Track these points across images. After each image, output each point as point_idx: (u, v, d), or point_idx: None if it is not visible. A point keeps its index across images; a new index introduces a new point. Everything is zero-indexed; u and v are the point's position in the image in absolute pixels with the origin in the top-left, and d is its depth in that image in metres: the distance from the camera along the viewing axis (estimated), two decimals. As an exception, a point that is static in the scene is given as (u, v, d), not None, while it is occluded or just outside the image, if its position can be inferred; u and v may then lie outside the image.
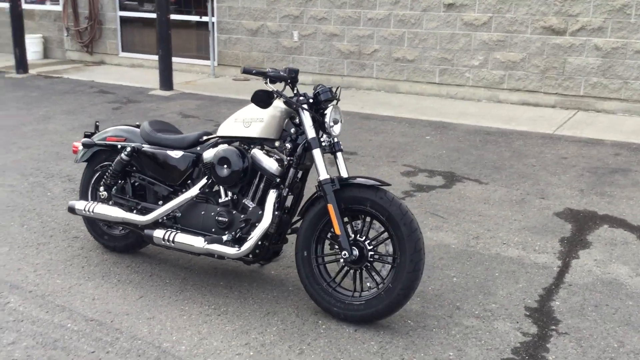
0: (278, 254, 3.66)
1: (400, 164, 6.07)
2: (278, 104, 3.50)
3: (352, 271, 3.38)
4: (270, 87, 3.40)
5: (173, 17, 11.16)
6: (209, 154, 3.63)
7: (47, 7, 12.72)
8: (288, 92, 3.49)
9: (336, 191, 3.31)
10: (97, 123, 4.30)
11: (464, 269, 3.97)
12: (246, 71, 3.40)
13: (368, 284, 3.37)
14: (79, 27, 12.13)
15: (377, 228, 3.34)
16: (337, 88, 3.56)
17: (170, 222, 3.77)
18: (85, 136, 4.17)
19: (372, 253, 3.31)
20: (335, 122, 3.44)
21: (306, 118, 3.39)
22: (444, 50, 9.06)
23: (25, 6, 12.88)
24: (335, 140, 3.50)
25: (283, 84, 3.48)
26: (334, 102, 3.50)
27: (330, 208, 3.28)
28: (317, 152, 3.35)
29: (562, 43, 8.29)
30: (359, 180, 3.32)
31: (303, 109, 3.38)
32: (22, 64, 10.81)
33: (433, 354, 3.08)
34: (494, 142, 6.83)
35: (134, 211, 3.89)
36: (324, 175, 3.33)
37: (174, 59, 11.12)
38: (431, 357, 3.05)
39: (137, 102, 8.76)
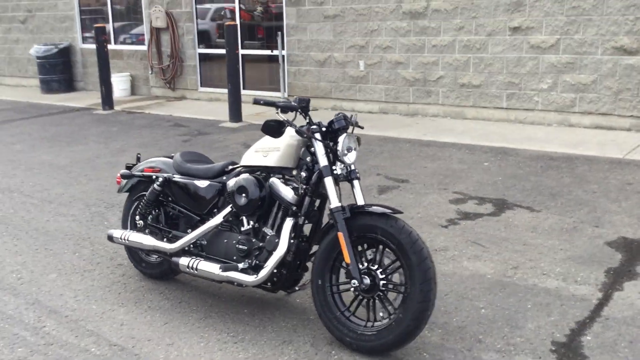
0: (298, 282, 3.67)
1: (451, 191, 5.94)
2: (294, 133, 3.54)
3: (365, 301, 3.34)
4: (282, 117, 3.45)
5: (246, 52, 11.59)
6: (231, 183, 3.72)
7: (134, 47, 13.49)
8: (302, 121, 3.53)
9: (348, 219, 3.30)
10: (139, 155, 4.51)
11: (495, 300, 3.82)
12: (256, 102, 3.48)
13: (381, 314, 3.31)
14: (162, 65, 12.78)
15: (390, 257, 3.29)
16: (352, 116, 3.57)
17: (196, 250, 3.88)
18: (127, 168, 4.39)
19: (385, 282, 3.26)
20: (349, 150, 3.44)
21: (318, 146, 3.41)
22: (511, 74, 8.83)
23: (114, 46, 13.77)
24: (352, 168, 3.50)
25: (294, 113, 3.52)
26: (349, 130, 3.50)
27: (341, 236, 3.27)
28: (328, 180, 3.36)
29: (635, 63, 7.87)
30: (370, 208, 3.29)
31: (315, 137, 3.40)
32: (107, 101, 11.50)
33: (441, 388, 2.98)
34: (556, 167, 6.56)
35: (165, 239, 4.03)
36: (335, 203, 3.33)
37: (247, 92, 11.50)
38: (439, 391, 2.95)
39: (207, 134, 9.09)
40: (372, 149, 7.75)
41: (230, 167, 3.94)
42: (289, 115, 3.51)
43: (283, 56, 10.90)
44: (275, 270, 3.50)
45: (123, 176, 4.27)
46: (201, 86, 12.50)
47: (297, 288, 3.72)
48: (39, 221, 5.60)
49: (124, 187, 4.36)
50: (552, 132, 8.20)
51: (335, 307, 3.39)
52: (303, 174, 3.51)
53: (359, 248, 3.36)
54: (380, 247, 3.30)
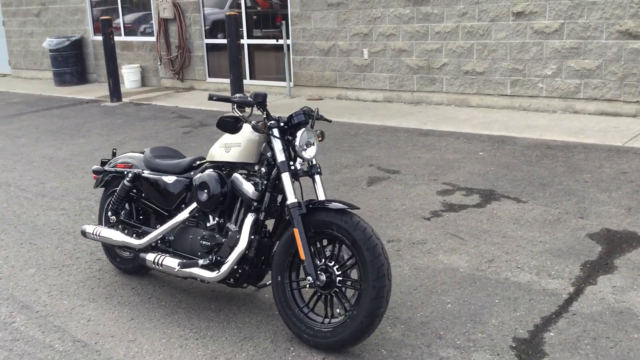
0: (262, 277, 3.66)
1: (440, 182, 5.86)
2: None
3: (323, 297, 3.31)
4: (238, 113, 3.42)
5: (252, 41, 11.56)
6: (195, 179, 3.71)
7: (144, 38, 13.56)
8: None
9: (305, 215, 3.27)
10: (114, 150, 4.53)
11: (463, 294, 3.76)
12: (210, 98, 3.45)
13: (337, 311, 3.28)
14: (171, 55, 12.82)
15: (347, 253, 3.25)
16: (315, 110, 3.53)
17: (164, 245, 3.89)
18: (102, 163, 4.41)
19: (341, 279, 3.22)
20: (308, 145, 3.40)
21: (275, 142, 3.38)
22: (515, 60, 8.66)
23: (124, 38, 13.86)
24: (313, 162, 3.46)
25: (250, 109, 3.48)
26: (308, 125, 3.46)
27: (296, 232, 3.24)
28: (285, 176, 3.33)
29: (640, 47, 7.66)
30: (326, 204, 3.25)
31: (270, 133, 3.37)
32: (115, 93, 11.59)
33: (391, 386, 2.94)
34: (551, 156, 6.42)
35: (134, 235, 4.04)
36: (291, 199, 3.30)
37: (254, 82, 11.50)
38: (388, 390, 2.92)
39: (208, 126, 9.11)
40: (369, 139, 7.68)
41: (198, 162, 3.92)
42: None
43: (288, 45, 10.85)
44: (236, 266, 3.49)
45: (95, 172, 4.29)
46: (209, 77, 12.52)
47: (267, 283, 3.69)
48: (29, 215, 5.67)
49: (98, 183, 4.38)
50: (556, 119, 8.03)
51: (295, 303, 3.37)
52: (263, 169, 3.48)
53: (318, 244, 3.32)
54: (337, 243, 3.26)
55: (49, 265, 4.55)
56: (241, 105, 3.44)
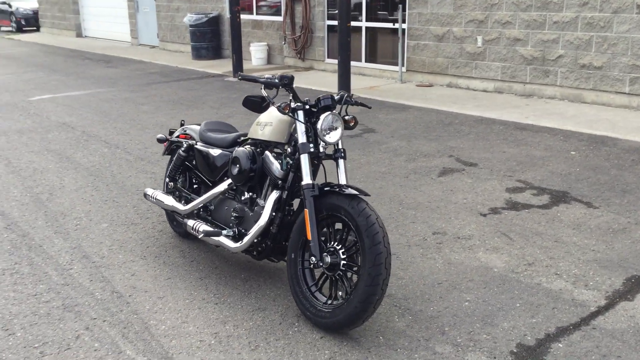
0: (285, 254, 3.80)
1: (515, 179, 5.64)
2: (285, 110, 3.63)
3: (329, 278, 3.39)
4: (265, 93, 3.56)
5: (370, 24, 11.60)
6: (232, 154, 3.91)
7: (272, 17, 14.05)
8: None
9: (318, 197, 3.36)
10: (182, 121, 4.84)
11: (486, 294, 3.67)
12: (243, 78, 3.61)
13: (340, 293, 3.35)
14: (294, 35, 13.20)
15: (353, 237, 3.30)
16: (343, 96, 3.58)
17: (205, 214, 4.14)
18: (170, 133, 4.75)
19: (345, 263, 3.29)
20: (331, 129, 3.47)
21: (298, 124, 3.48)
22: (636, 56, 8.01)
23: (255, 17, 14.44)
24: (338, 147, 3.53)
25: (275, 90, 3.59)
26: (335, 110, 3.53)
27: (306, 213, 3.34)
28: (303, 157, 3.43)
29: None
30: (337, 188, 3.32)
31: (292, 115, 3.47)
32: (237, 69, 12.16)
33: (372, 373, 2.98)
34: (649, 162, 5.94)
35: (183, 202, 4.34)
36: (306, 180, 3.39)
37: (369, 65, 11.58)
38: (368, 375, 2.97)
39: (311, 105, 9.30)
40: (461, 129, 7.51)
41: (242, 138, 4.12)
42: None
43: (403, 29, 10.78)
44: (259, 240, 3.66)
45: (158, 140, 4.63)
46: (328, 57, 12.74)
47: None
48: (123, 176, 6.21)
49: (165, 151, 4.72)
50: (673, 122, 7.37)
51: (304, 281, 3.48)
52: (289, 149, 3.60)
53: (330, 228, 3.40)
54: (346, 227, 3.32)
55: (120, 222, 4.98)
56: (268, 86, 3.57)
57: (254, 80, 3.60)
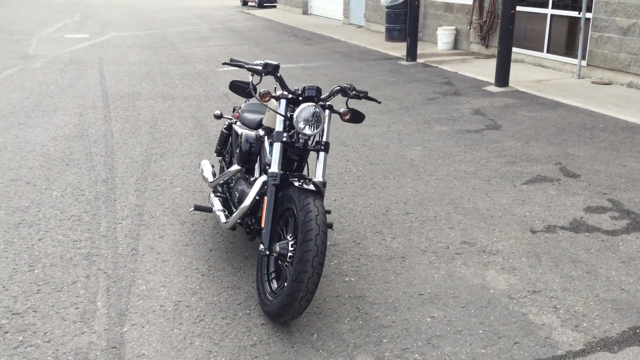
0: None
1: (606, 198, 4.96)
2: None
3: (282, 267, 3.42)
4: (250, 79, 3.63)
5: (555, 11, 10.70)
6: (244, 135, 4.07)
7: (463, 0, 13.59)
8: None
9: (283, 187, 3.39)
10: (246, 101, 5.10)
11: (456, 314, 3.39)
12: (225, 63, 3.71)
13: (285, 284, 3.36)
14: (480, 20, 12.65)
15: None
16: (346, 88, 3.54)
17: (225, 189, 4.37)
18: (233, 110, 5.04)
19: (291, 254, 3.29)
20: (309, 121, 3.45)
21: (279, 112, 3.52)
22: None
23: (446, 0, 14.09)
24: (319, 139, 3.52)
25: (259, 77, 3.63)
26: (314, 102, 3.49)
27: (265, 200, 3.39)
28: (276, 145, 3.48)
29: None
30: (296, 180, 3.31)
31: (263, 103, 3.51)
32: (411, 52, 12.07)
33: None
34: None
35: (215, 175, 4.61)
36: (272, 169, 3.44)
37: (549, 56, 10.74)
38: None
39: (458, 96, 8.98)
40: (597, 135, 6.71)
41: (265, 122, 4.25)
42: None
43: (586, 19, 9.77)
44: (245, 221, 3.80)
45: (215, 116, 4.93)
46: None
47: None
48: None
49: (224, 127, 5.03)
50: None
51: (266, 267, 3.55)
52: (278, 136, 3.66)
53: (292, 218, 3.41)
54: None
55: (191, 188, 5.42)
56: (251, 72, 3.61)
57: (240, 65, 3.69)
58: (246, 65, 3.66)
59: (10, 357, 3.07)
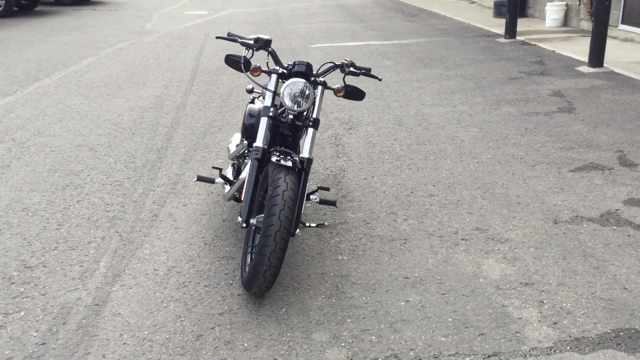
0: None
1: (657, 190, 4.53)
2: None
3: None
4: (244, 54, 3.65)
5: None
6: (250, 110, 4.13)
7: (575, -25, 12.70)
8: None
9: (260, 160, 3.43)
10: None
11: (432, 301, 3.29)
12: (218, 37, 3.76)
13: (262, 257, 3.40)
14: (591, -5, 11.79)
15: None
16: (344, 65, 3.52)
17: (241, 161, 4.47)
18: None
19: (267, 229, 3.33)
20: (297, 97, 3.45)
21: (268, 88, 3.54)
22: None
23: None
24: (309, 115, 3.52)
25: (250, 51, 3.64)
26: (302, 77, 3.48)
27: (245, 173, 3.45)
28: (263, 120, 3.51)
29: None
30: (277, 155, 3.33)
31: (249, 76, 3.53)
32: (510, 29, 11.50)
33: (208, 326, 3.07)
34: None
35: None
36: (257, 143, 3.48)
37: (626, 27, 9.84)
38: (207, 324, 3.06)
39: (545, 75, 8.48)
40: (678, 121, 6.10)
41: (281, 100, 4.28)
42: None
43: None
44: (238, 194, 3.89)
45: (247, 90, 5.02)
46: (621, 23, 11.10)
47: (326, 224, 4.09)
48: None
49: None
50: None
51: (251, 240, 3.61)
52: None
53: (276, 192, 3.45)
54: (277, 194, 3.34)
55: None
56: (244, 46, 3.63)
57: (233, 39, 3.72)
58: (239, 40, 3.70)
59: (6, 306, 3.37)
